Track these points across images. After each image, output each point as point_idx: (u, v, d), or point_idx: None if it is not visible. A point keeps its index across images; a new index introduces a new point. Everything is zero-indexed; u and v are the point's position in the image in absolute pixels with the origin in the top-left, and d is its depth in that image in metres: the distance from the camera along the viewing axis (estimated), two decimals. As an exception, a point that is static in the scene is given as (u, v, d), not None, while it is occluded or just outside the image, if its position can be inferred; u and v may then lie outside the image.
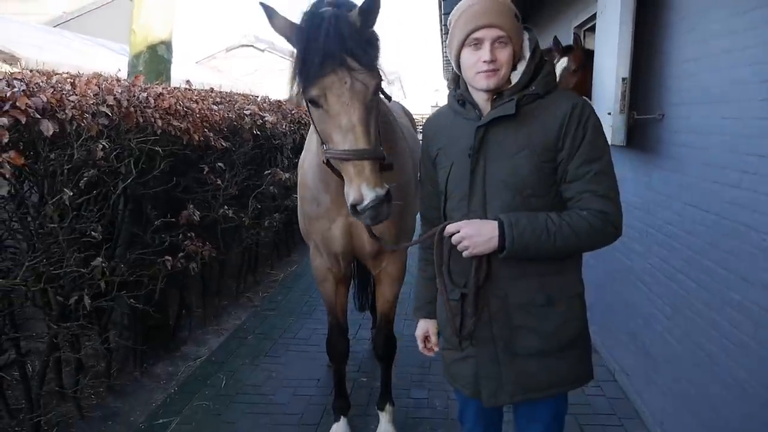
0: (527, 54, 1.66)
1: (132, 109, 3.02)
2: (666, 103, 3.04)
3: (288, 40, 1.93)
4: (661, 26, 3.10)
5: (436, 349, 1.97)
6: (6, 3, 14.71)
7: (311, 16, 1.85)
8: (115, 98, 2.88)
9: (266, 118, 4.91)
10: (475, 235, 1.57)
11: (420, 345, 2.00)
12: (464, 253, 1.60)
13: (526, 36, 1.67)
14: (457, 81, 1.78)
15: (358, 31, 1.84)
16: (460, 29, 1.60)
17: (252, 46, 8.61)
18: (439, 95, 29.29)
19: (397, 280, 2.91)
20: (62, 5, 16.43)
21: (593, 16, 4.17)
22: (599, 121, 1.63)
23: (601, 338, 4.07)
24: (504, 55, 1.58)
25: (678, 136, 2.92)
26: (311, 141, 2.66)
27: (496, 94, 1.64)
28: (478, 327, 1.70)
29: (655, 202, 3.19)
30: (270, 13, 1.91)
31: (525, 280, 1.64)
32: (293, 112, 6.11)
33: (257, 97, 5.99)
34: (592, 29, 4.74)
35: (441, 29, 9.30)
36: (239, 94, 5.21)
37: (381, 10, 1.89)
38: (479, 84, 1.61)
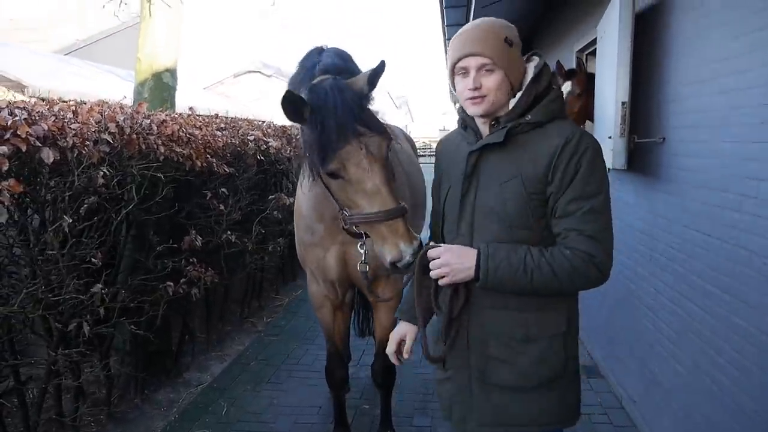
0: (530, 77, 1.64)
1: (134, 136, 3.05)
2: (667, 126, 3.04)
3: (300, 122, 1.93)
4: (660, 50, 3.11)
5: (406, 356, 1.88)
6: (20, 32, 15.03)
7: (316, 93, 1.89)
8: (117, 125, 2.91)
9: (270, 144, 4.94)
10: (455, 263, 1.55)
11: (391, 347, 1.88)
12: (441, 281, 1.58)
13: (533, 62, 1.66)
14: None
15: (362, 97, 1.91)
16: (449, 58, 1.64)
17: (259, 72, 8.73)
18: (447, 118, 29.43)
19: (393, 307, 2.89)
20: (76, 33, 16.78)
21: (594, 41, 4.20)
22: (599, 157, 1.55)
23: (608, 364, 4.01)
24: (491, 81, 1.57)
25: (679, 159, 2.91)
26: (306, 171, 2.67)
27: (495, 120, 1.63)
28: (457, 352, 1.70)
29: (659, 226, 3.16)
30: (288, 104, 1.85)
31: (505, 312, 1.62)
32: (297, 137, 6.14)
33: (262, 122, 6.04)
34: (594, 53, 4.77)
35: (445, 54, 9.39)
36: (244, 119, 5.26)
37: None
38: (469, 110, 1.63)
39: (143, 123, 3.23)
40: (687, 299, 2.79)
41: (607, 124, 3.34)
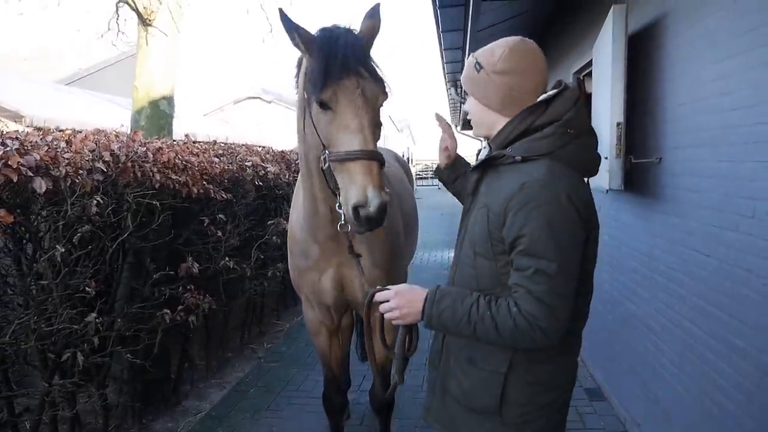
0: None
1: (130, 164, 3.05)
2: (663, 146, 3.03)
3: (303, 49, 2.02)
4: (655, 71, 3.12)
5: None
6: (22, 62, 15.23)
7: (327, 31, 1.99)
8: (112, 154, 2.91)
9: (268, 169, 4.95)
10: (405, 306, 1.56)
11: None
12: (393, 322, 1.60)
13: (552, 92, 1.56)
14: None
15: (367, 47, 2.01)
16: None
17: (259, 98, 8.78)
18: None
19: (391, 330, 2.85)
20: (79, 62, 16.96)
21: (590, 63, 4.21)
22: (560, 215, 1.38)
23: (611, 386, 3.94)
24: (467, 107, 1.62)
25: (676, 179, 2.89)
26: (298, 196, 2.67)
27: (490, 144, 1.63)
28: (435, 351, 1.76)
29: (658, 247, 3.13)
30: (288, 24, 1.98)
31: None
32: (296, 161, 6.16)
33: (261, 147, 6.07)
34: (590, 75, 4.79)
35: (445, 77, 9.45)
36: (242, 145, 5.28)
37: (382, 25, 2.07)
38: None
39: (139, 151, 3.23)
40: (687, 320, 2.75)
41: (603, 144, 3.33)
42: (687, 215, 2.78)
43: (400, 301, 1.57)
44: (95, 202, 2.66)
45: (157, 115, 4.53)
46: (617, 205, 3.72)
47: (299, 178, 2.60)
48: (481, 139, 22.45)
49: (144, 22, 4.37)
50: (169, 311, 3.52)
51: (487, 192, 1.55)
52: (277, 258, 5.58)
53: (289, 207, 6.00)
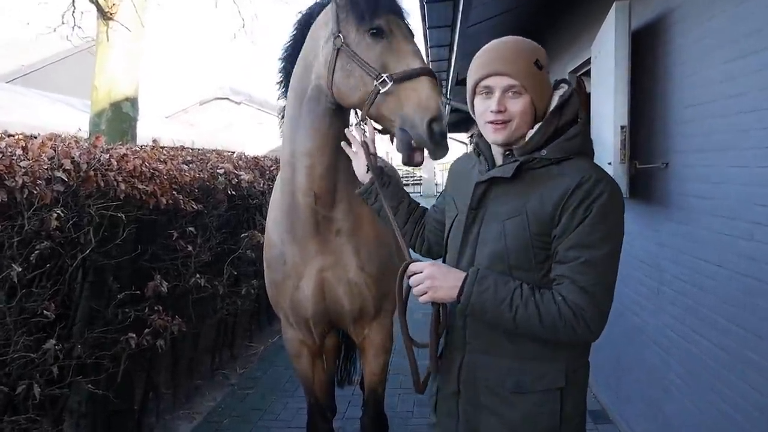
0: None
1: (92, 172, 3.02)
2: (669, 151, 3.09)
3: None
4: (659, 70, 3.19)
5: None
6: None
7: None
8: (72, 162, 2.88)
9: (242, 177, 4.93)
10: (440, 278, 1.56)
11: None
12: (422, 298, 1.58)
13: (560, 90, 1.64)
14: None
15: None
16: (472, 75, 1.63)
17: (227, 98, 8.71)
18: (431, 144, 29.87)
19: (383, 350, 2.85)
20: (21, 59, 16.54)
21: (589, 61, 4.29)
22: (615, 205, 1.51)
23: (616, 407, 3.99)
24: (516, 106, 1.56)
25: (684, 185, 2.95)
26: (275, 195, 2.70)
27: (509, 150, 1.63)
28: (445, 397, 1.72)
29: (665, 257, 3.19)
30: None
31: (498, 357, 1.62)
32: (272, 168, 6.15)
33: (232, 153, 6.04)
34: (588, 74, 4.87)
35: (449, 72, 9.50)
36: (213, 151, 5.25)
37: None
38: (488, 136, 1.63)
39: (101, 158, 3.20)
40: (698, 334, 2.80)
41: (606, 149, 3.39)
42: (696, 223, 2.84)
43: (435, 272, 1.56)
44: (55, 215, 2.62)
45: (120, 117, 4.50)
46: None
47: (279, 175, 2.63)
48: (466, 143, 22.57)
49: (104, 15, 4.33)
50: (134, 335, 3.48)
51: (516, 200, 1.58)
52: (251, 274, 5.56)
53: (263, 218, 6.01)
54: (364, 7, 2.06)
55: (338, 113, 2.32)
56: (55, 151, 2.86)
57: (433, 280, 1.55)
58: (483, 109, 1.60)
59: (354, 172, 2.17)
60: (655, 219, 3.30)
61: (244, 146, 6.61)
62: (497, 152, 1.69)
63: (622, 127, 3.26)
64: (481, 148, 1.74)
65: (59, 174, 2.72)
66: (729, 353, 2.51)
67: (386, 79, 1.98)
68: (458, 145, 23.79)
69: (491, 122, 1.58)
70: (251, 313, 6.38)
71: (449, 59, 7.48)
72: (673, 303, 3.09)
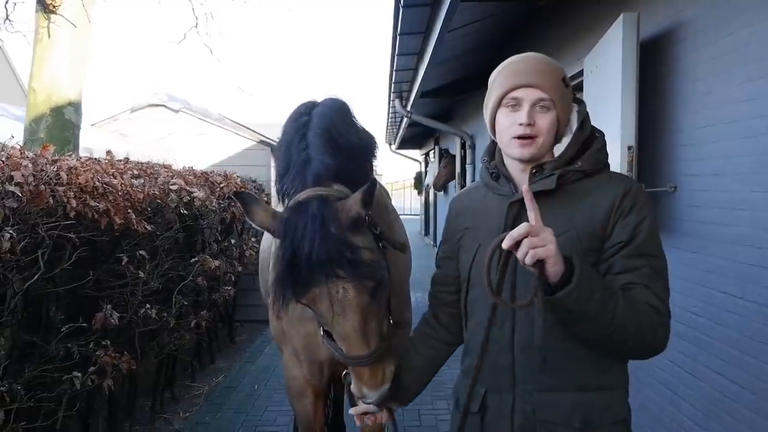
0: (575, 126, 1.73)
1: (42, 187, 2.93)
2: (678, 173, 3.22)
3: (271, 233, 1.95)
4: (666, 88, 3.33)
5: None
6: None
7: (296, 207, 1.89)
8: (23, 174, 2.78)
9: (195, 194, 4.85)
10: (551, 240, 1.39)
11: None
12: (532, 254, 1.37)
13: (575, 107, 1.75)
14: (492, 152, 1.85)
15: (352, 226, 1.85)
16: (497, 87, 1.68)
17: (163, 105, 8.50)
18: (379, 162, 29.68)
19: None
20: None
21: (579, 74, 4.42)
22: (655, 212, 1.68)
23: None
24: (545, 121, 1.62)
25: (695, 210, 3.07)
26: None
27: (536, 167, 1.68)
28: None
29: (674, 288, 3.23)
30: (246, 200, 1.91)
31: (558, 393, 1.63)
32: (222, 186, 6.07)
33: (180, 166, 5.94)
34: (577, 88, 5.03)
35: (390, 86, 9.62)
36: (161, 165, 5.15)
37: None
38: (513, 152, 1.67)
39: (49, 171, 3.11)
40: (715, 372, 2.90)
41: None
42: (709, 251, 2.96)
43: (536, 232, 1.39)
44: (8, 235, 2.52)
45: (62, 124, 4.37)
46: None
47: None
48: (420, 161, 22.72)
49: (46, 8, 4.22)
50: (79, 374, 3.36)
51: (559, 217, 1.61)
52: (198, 304, 5.45)
53: (214, 242, 5.92)
54: (289, 286, 1.84)
55: None
56: (3, 162, 2.76)
57: (547, 244, 1.38)
58: (509, 122, 1.65)
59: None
60: (663, 246, 3.41)
61: (184, 160, 6.49)
62: (518, 171, 1.73)
63: (629, 148, 3.37)
64: (499, 169, 1.78)
65: (11, 188, 2.62)
66: (755, 392, 2.61)
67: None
68: (410, 163, 24.00)
69: (519, 137, 1.63)
70: (194, 349, 6.24)
71: (416, 68, 7.59)
72: (683, 338, 3.19)
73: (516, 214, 1.68)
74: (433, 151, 16.26)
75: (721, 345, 2.87)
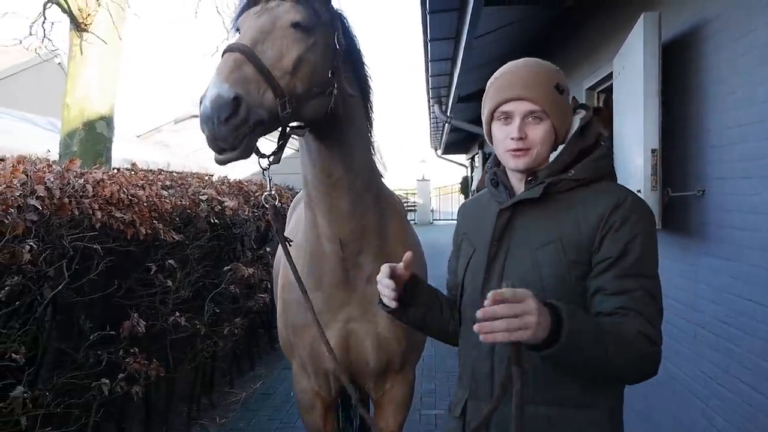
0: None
1: (66, 200, 2.99)
2: (706, 177, 3.11)
3: None
4: (691, 88, 3.22)
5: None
6: None
7: None
8: (46, 188, 2.85)
9: (226, 204, 4.91)
10: (534, 313, 1.28)
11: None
12: (500, 336, 1.28)
13: (579, 114, 1.69)
14: (497, 159, 1.81)
15: None
16: (489, 100, 1.66)
17: (205, 116, 8.69)
18: (426, 167, 29.72)
19: (403, 406, 2.81)
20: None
21: (609, 76, 4.33)
22: (653, 230, 1.58)
23: (647, 465, 3.94)
24: (537, 132, 1.59)
25: (725, 215, 2.96)
26: (298, 238, 2.65)
27: (531, 174, 1.65)
28: None
29: (703, 296, 3.19)
30: None
31: (536, 406, 1.55)
32: (257, 194, 6.13)
33: (212, 176, 6.03)
34: (606, 90, 4.93)
35: (428, 92, 9.60)
36: (193, 174, 5.24)
37: None
38: (509, 164, 1.65)
39: (76, 184, 3.18)
40: (746, 385, 2.78)
41: (635, 175, 3.40)
42: (739, 258, 2.84)
43: (514, 310, 1.28)
44: (28, 247, 2.59)
45: (94, 138, 4.48)
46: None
47: (302, 206, 2.61)
48: (466, 165, 22.65)
49: (78, 27, 4.33)
50: (107, 381, 3.42)
51: (546, 226, 1.59)
52: (233, 312, 5.50)
53: (248, 249, 5.97)
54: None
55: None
56: (27, 176, 2.83)
57: (527, 314, 1.28)
58: (502, 136, 1.63)
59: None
60: (691, 253, 3.30)
61: (226, 170, 6.59)
62: (516, 179, 1.70)
63: (653, 151, 3.27)
64: (499, 177, 1.76)
65: (33, 201, 2.69)
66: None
67: None
68: (457, 167, 23.92)
69: (512, 150, 1.61)
70: (232, 356, 6.32)
71: (451, 74, 7.56)
72: (713, 348, 3.07)
73: (505, 222, 1.67)
74: (477, 155, 16.17)
75: (751, 356, 2.75)
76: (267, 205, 2.13)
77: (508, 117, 1.61)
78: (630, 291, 1.49)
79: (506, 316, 1.27)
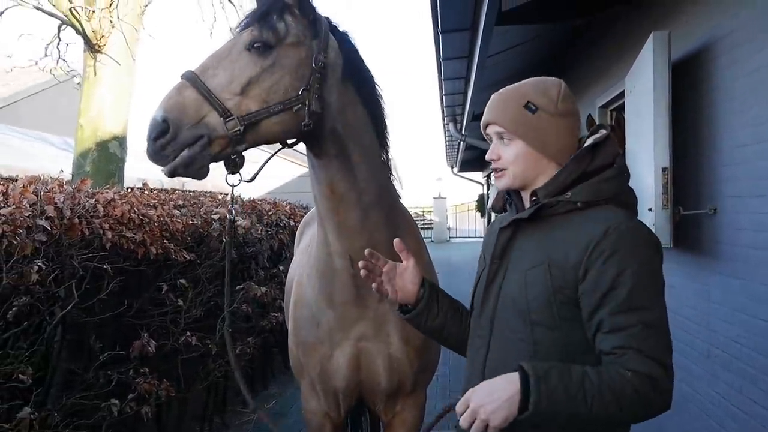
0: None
1: (77, 220, 3.01)
2: (718, 195, 3.08)
3: None
4: (703, 106, 3.19)
5: None
6: None
7: None
8: (56, 208, 2.87)
9: (239, 223, 4.92)
10: (488, 401, 1.39)
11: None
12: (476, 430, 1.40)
13: (598, 134, 1.64)
14: None
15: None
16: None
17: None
18: (442, 185, 29.69)
19: (414, 428, 2.78)
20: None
21: (622, 94, 4.31)
22: (653, 256, 1.49)
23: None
24: (508, 153, 1.64)
25: (737, 234, 2.92)
26: (311, 255, 2.65)
27: (534, 193, 1.63)
28: None
29: (717, 316, 3.14)
30: None
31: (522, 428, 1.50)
32: (270, 213, 6.15)
33: (225, 195, 6.05)
34: (620, 109, 4.90)
35: (442, 111, 9.61)
36: (206, 193, 5.26)
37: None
38: (496, 184, 1.69)
39: (86, 204, 3.20)
40: (761, 406, 2.73)
41: (646, 194, 3.37)
42: (752, 277, 2.80)
43: (480, 399, 1.41)
44: (36, 267, 2.60)
45: (106, 158, 4.51)
46: (664, 265, 3.74)
47: (315, 224, 2.63)
48: (482, 183, 22.61)
49: (92, 48, 4.39)
50: (117, 401, 3.41)
51: (538, 248, 1.58)
52: (245, 331, 5.50)
53: (261, 269, 5.98)
54: None
55: None
56: (37, 196, 2.85)
57: (484, 406, 1.39)
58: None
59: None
60: (703, 272, 3.26)
61: (240, 188, 6.62)
62: (526, 198, 1.70)
63: (664, 169, 3.25)
64: (511, 196, 1.76)
65: (41, 222, 2.71)
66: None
67: None
68: (473, 185, 23.88)
69: (493, 170, 1.69)
70: (246, 375, 6.30)
71: (465, 92, 7.56)
72: (727, 369, 3.02)
73: (506, 242, 1.67)
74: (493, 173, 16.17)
75: (766, 377, 2.70)
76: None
77: (490, 139, 1.69)
78: (626, 327, 1.44)
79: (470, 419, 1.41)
